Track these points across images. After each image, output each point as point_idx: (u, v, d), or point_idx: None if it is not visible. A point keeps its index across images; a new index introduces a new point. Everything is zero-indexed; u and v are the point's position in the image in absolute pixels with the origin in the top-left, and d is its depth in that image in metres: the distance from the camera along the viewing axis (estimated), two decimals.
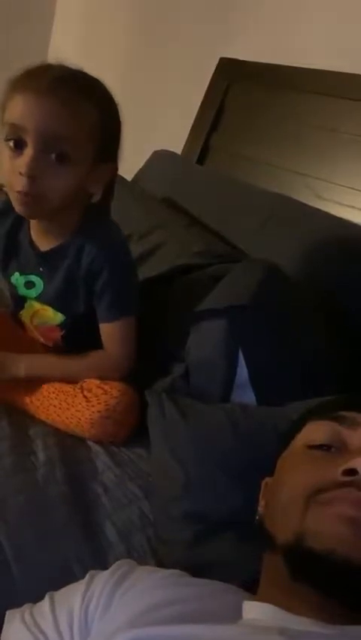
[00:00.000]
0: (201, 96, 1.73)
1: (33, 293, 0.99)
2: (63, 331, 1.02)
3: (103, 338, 0.97)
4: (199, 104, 1.74)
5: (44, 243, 0.95)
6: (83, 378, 0.96)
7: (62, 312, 0.99)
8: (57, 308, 0.99)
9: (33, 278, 0.99)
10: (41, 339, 1.06)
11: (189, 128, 1.78)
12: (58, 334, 1.02)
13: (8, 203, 0.88)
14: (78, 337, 1.01)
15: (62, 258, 0.94)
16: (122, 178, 1.58)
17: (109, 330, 0.96)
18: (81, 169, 0.82)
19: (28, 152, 0.78)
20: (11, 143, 0.79)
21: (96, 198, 0.91)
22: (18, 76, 0.80)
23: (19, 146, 0.79)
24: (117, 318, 0.95)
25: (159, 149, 1.83)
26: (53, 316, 1.00)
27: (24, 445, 0.88)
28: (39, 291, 0.99)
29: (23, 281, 1.00)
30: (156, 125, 2.04)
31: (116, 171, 0.92)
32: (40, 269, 0.97)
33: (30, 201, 0.81)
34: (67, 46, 2.62)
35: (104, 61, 2.07)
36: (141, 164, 1.84)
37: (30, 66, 0.80)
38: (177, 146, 1.81)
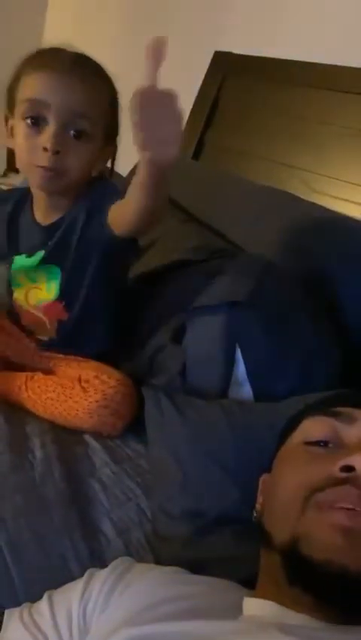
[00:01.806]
0: (196, 90, 1.72)
1: (36, 260, 0.97)
2: (63, 302, 0.99)
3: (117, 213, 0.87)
4: (194, 98, 1.73)
5: (47, 218, 0.96)
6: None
7: (62, 270, 0.96)
8: (59, 265, 0.96)
9: (39, 255, 0.97)
10: (44, 319, 1.03)
11: (184, 123, 1.77)
12: (60, 308, 1.00)
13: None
14: (80, 311, 0.99)
15: (65, 225, 0.94)
16: (118, 174, 1.57)
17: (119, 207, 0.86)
18: (95, 146, 0.85)
19: (51, 127, 0.80)
20: (29, 120, 0.80)
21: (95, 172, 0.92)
22: (31, 57, 0.83)
23: (37, 123, 0.80)
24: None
25: None
26: (47, 293, 0.99)
27: (21, 443, 0.87)
28: (41, 257, 0.96)
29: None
30: None
31: (115, 153, 0.95)
32: (49, 243, 0.95)
33: (52, 176, 0.84)
34: (59, 40, 2.60)
35: (97, 55, 2.05)
36: (137, 159, 1.83)
37: (42, 48, 0.85)
38: None
